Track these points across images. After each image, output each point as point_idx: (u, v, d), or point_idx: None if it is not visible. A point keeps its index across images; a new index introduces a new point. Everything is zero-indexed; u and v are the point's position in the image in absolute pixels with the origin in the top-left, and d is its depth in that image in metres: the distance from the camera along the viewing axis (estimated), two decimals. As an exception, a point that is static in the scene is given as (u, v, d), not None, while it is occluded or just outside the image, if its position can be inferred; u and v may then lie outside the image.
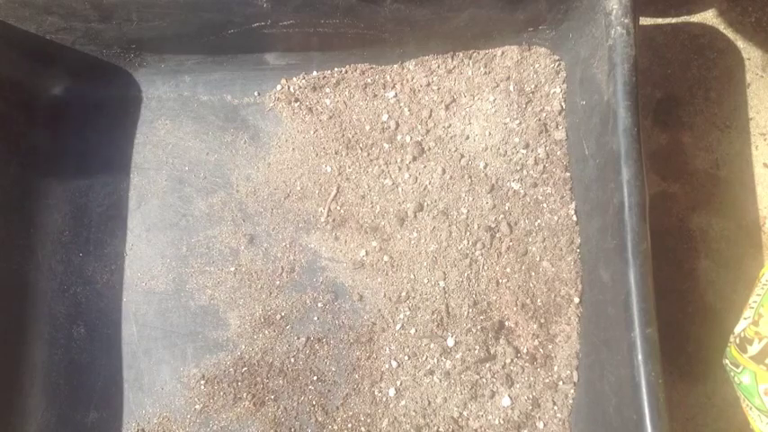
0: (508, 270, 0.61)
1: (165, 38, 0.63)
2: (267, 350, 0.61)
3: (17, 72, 0.64)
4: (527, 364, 0.59)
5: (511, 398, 0.59)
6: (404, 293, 0.61)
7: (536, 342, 0.59)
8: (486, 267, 0.61)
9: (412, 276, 0.61)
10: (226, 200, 0.65)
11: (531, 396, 0.59)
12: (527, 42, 0.63)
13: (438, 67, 0.65)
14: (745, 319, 0.55)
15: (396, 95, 0.65)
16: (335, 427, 0.59)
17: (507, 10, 0.60)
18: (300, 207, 0.64)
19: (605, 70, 0.54)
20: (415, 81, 0.65)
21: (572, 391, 0.59)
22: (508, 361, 0.59)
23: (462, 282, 0.61)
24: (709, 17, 0.68)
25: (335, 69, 0.66)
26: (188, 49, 0.65)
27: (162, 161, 0.66)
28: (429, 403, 0.59)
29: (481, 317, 0.60)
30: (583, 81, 0.59)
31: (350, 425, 0.59)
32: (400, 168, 0.64)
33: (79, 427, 0.61)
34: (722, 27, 0.67)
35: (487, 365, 0.59)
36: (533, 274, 0.61)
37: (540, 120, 0.63)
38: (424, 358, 0.60)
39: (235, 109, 0.67)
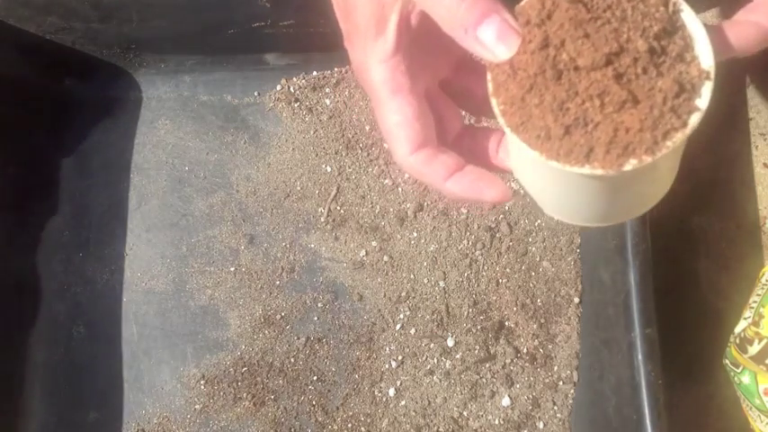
0: (508, 270, 0.61)
1: (165, 38, 0.63)
2: (267, 350, 0.61)
3: (17, 72, 0.64)
4: (527, 364, 0.59)
5: (511, 398, 0.59)
6: (404, 293, 0.61)
7: (536, 342, 0.59)
8: (486, 267, 0.61)
9: (412, 276, 0.61)
10: (226, 200, 0.65)
11: (531, 396, 0.59)
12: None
13: (438, 67, 0.65)
14: (745, 319, 0.55)
15: (396, 95, 0.65)
16: (335, 427, 0.59)
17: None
18: (300, 207, 0.64)
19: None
20: (415, 81, 0.65)
21: (572, 391, 0.59)
22: (508, 361, 0.59)
23: (462, 282, 0.61)
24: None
25: (335, 69, 0.66)
26: (188, 49, 0.65)
27: (162, 161, 0.66)
28: (429, 403, 0.59)
29: (481, 317, 0.60)
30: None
31: (350, 425, 0.59)
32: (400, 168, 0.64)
33: (79, 427, 0.61)
34: (722, 27, 0.67)
35: (487, 365, 0.59)
36: (533, 274, 0.61)
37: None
38: (424, 358, 0.60)
39: (235, 109, 0.67)
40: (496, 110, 0.26)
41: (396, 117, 0.28)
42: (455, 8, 0.25)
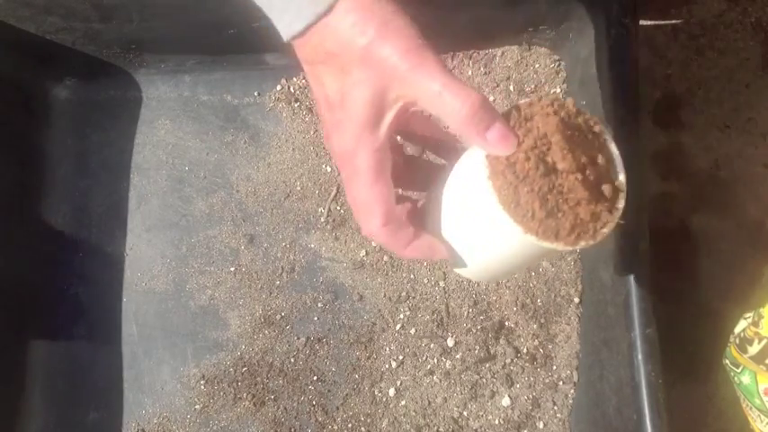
0: (508, 270, 0.61)
1: (165, 38, 0.63)
2: (267, 350, 0.61)
3: (17, 72, 0.64)
4: (527, 364, 0.59)
5: (511, 398, 0.59)
6: (404, 293, 0.61)
7: (536, 342, 0.59)
8: (486, 267, 0.61)
9: (412, 276, 0.61)
10: (226, 200, 0.65)
11: (531, 396, 0.59)
12: (527, 42, 0.63)
13: (438, 67, 0.65)
14: (745, 319, 0.55)
15: (396, 95, 0.65)
16: (335, 427, 0.59)
17: (507, 10, 0.60)
18: (300, 207, 0.64)
19: (605, 70, 0.54)
20: (415, 81, 0.65)
21: (572, 391, 0.59)
22: (508, 361, 0.59)
23: (462, 282, 0.61)
24: (709, 17, 0.68)
25: (335, 69, 0.66)
26: (188, 49, 0.65)
27: (162, 161, 0.66)
28: (429, 403, 0.59)
29: (481, 317, 0.60)
30: (583, 81, 0.59)
31: (350, 425, 0.59)
32: (400, 168, 0.64)
33: (79, 427, 0.61)
34: (722, 27, 0.67)
35: (487, 365, 0.59)
36: (533, 274, 0.61)
37: (540, 120, 0.63)
38: (424, 358, 0.60)
39: (235, 109, 0.67)
40: (492, 190, 0.32)
41: (375, 196, 0.33)
42: (469, 119, 0.32)
